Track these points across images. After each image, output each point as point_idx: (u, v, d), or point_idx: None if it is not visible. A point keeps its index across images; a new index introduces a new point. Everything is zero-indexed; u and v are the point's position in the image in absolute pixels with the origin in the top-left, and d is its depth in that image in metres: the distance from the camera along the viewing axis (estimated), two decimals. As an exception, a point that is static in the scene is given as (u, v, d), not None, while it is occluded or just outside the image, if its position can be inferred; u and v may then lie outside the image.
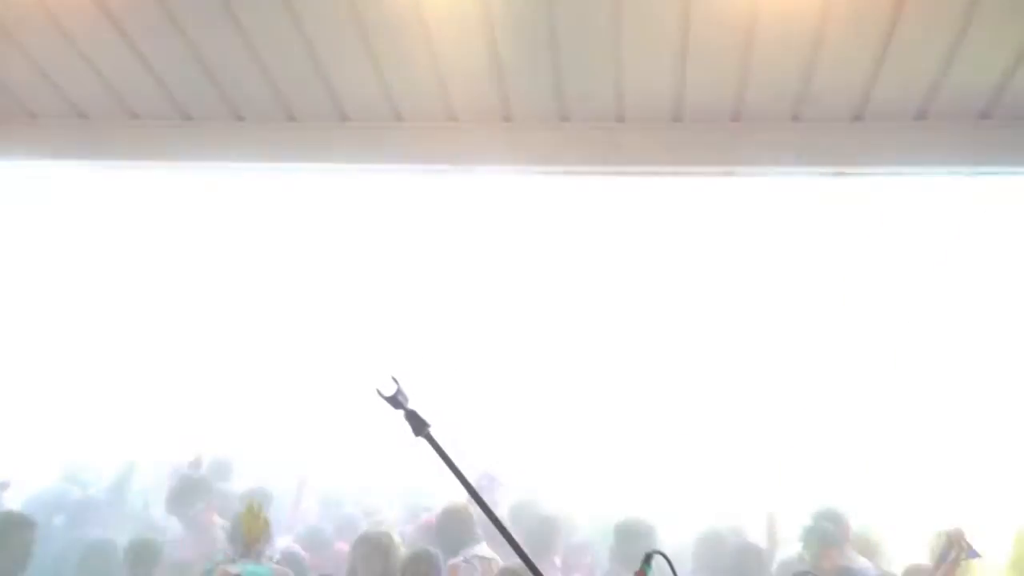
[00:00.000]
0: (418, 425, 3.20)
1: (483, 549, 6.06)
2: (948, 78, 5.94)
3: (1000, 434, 7.82)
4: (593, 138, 6.62)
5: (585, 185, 8.26)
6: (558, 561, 6.73)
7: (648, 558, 3.20)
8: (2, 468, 7.89)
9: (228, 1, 6.00)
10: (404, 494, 7.86)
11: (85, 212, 10.19)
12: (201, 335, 10.07)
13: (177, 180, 8.43)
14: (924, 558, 6.31)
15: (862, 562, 6.48)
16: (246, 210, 10.28)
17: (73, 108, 7.02)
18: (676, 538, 6.94)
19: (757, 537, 6.77)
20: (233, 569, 5.08)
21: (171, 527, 7.03)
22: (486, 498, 3.26)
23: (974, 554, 5.63)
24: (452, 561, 5.88)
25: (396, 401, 3.19)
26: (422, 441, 3.20)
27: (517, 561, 3.08)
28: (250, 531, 5.12)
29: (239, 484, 7.85)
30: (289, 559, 6.17)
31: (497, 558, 5.98)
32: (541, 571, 3.12)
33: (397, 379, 3.19)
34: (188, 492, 7.07)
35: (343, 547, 6.60)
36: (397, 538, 6.01)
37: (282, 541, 6.65)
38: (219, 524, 6.74)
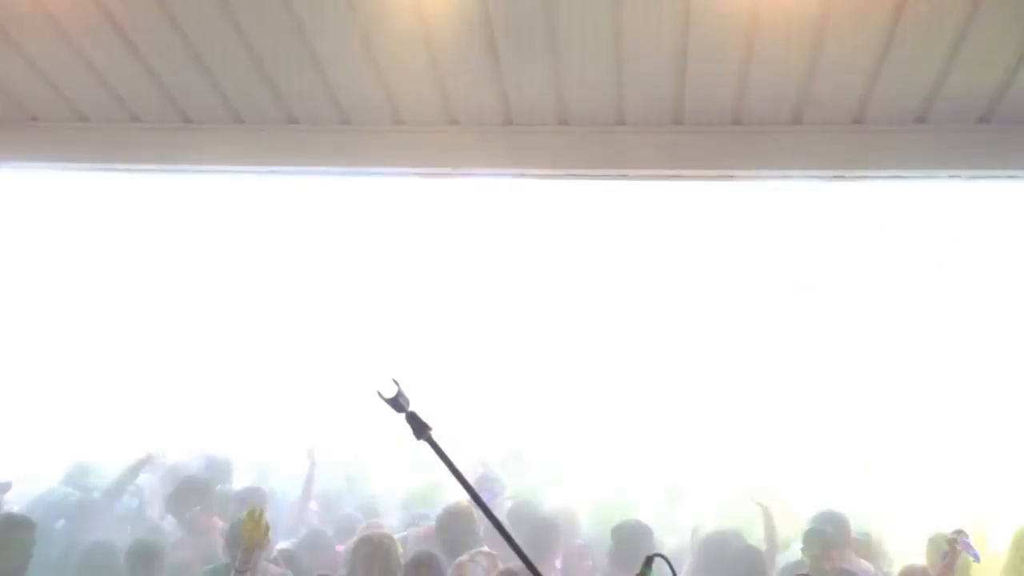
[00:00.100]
0: (419, 428, 3.19)
1: (486, 549, 6.05)
2: (948, 82, 5.94)
3: (1000, 435, 7.82)
4: (593, 141, 6.63)
5: (585, 188, 8.26)
6: (558, 564, 6.73)
7: (649, 561, 3.19)
8: (3, 470, 7.91)
9: (228, 4, 6.00)
10: (404, 498, 7.85)
11: (85, 214, 10.20)
12: (202, 338, 10.07)
13: (177, 183, 8.43)
14: (924, 560, 6.33)
15: (863, 565, 6.48)
16: (246, 213, 10.29)
17: (74, 111, 7.02)
18: (675, 540, 6.95)
19: (757, 540, 6.75)
20: None
21: (170, 529, 7.02)
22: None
23: (973, 555, 5.63)
24: (459, 559, 5.88)
25: (397, 404, 3.18)
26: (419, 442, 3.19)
27: (517, 563, 3.09)
28: (251, 537, 5.09)
29: (239, 485, 7.85)
30: (287, 558, 6.17)
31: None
32: (541, 573, 3.12)
33: (398, 381, 3.18)
34: (187, 494, 7.06)
35: (341, 550, 6.60)
36: (398, 541, 6.01)
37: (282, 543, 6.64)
38: (219, 527, 6.73)
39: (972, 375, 8.87)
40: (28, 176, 8.02)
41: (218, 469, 7.90)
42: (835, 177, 6.82)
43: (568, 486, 8.07)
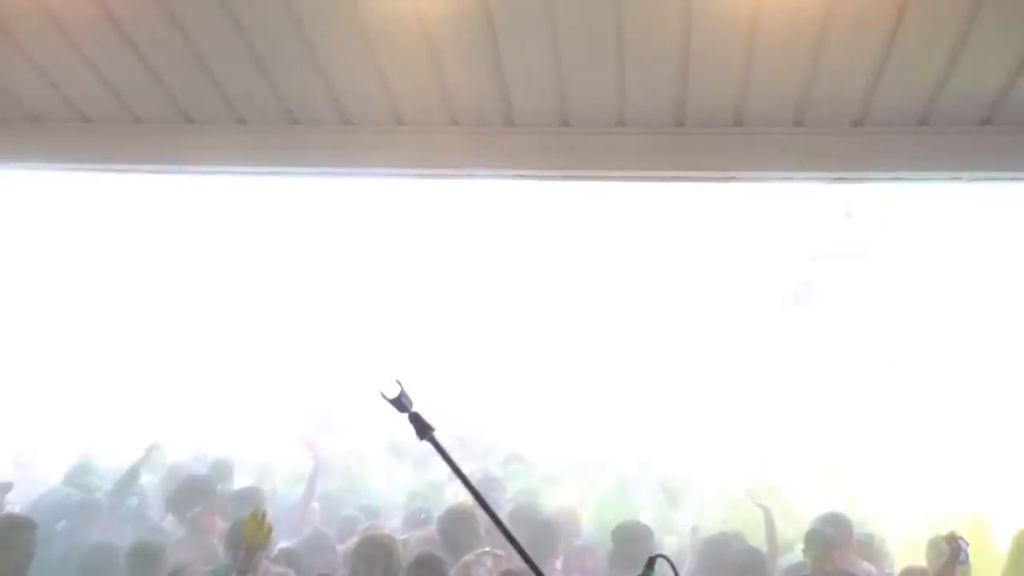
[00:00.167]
0: (422, 428, 3.19)
1: (497, 551, 6.05)
2: (950, 84, 5.94)
3: (1002, 435, 7.82)
4: (594, 143, 6.63)
5: (586, 190, 8.27)
6: (559, 565, 6.73)
7: (651, 562, 3.18)
8: (5, 470, 7.92)
9: (229, 4, 6.00)
10: (406, 499, 7.84)
11: (86, 215, 10.20)
12: (203, 338, 10.08)
13: (179, 183, 8.43)
14: (924, 561, 6.33)
15: (865, 566, 6.48)
16: (247, 213, 10.30)
17: (75, 111, 7.02)
18: (675, 541, 6.95)
19: (758, 541, 6.75)
20: None
21: (171, 530, 7.01)
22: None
23: (966, 558, 5.63)
24: (466, 559, 5.87)
25: (400, 404, 3.18)
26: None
27: (519, 564, 3.09)
28: (253, 538, 5.08)
29: (240, 485, 7.86)
30: (288, 557, 6.17)
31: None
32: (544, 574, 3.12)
33: (401, 382, 3.18)
34: (188, 493, 7.06)
35: (341, 549, 6.59)
36: (400, 542, 6.01)
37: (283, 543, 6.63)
38: (220, 527, 6.72)
39: (974, 375, 8.87)
40: (29, 177, 8.01)
41: (219, 469, 7.89)
42: (837, 179, 6.82)
43: (568, 487, 8.07)
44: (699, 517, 7.13)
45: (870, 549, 6.71)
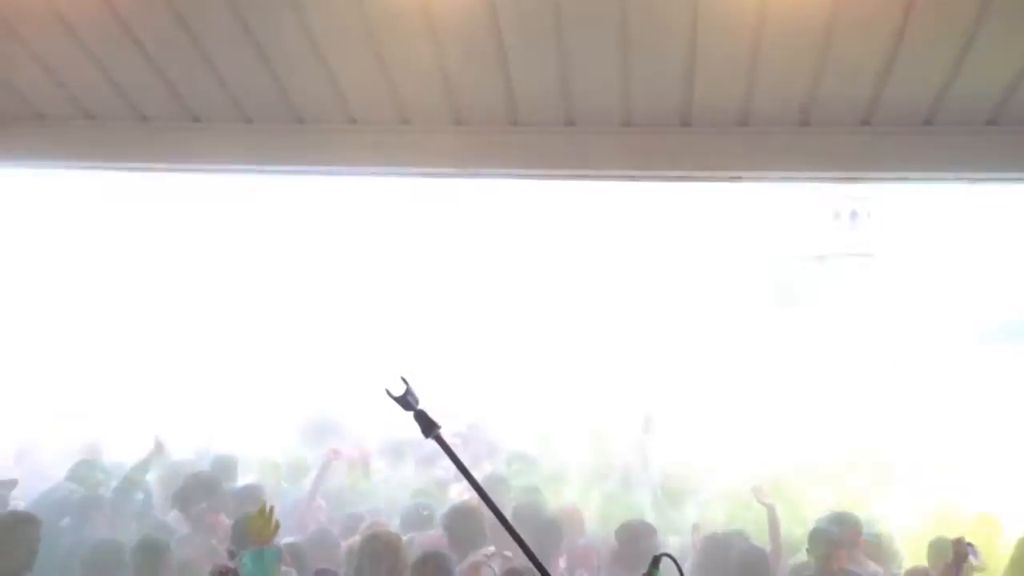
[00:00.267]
0: (427, 426, 3.21)
1: (492, 550, 6.05)
2: (956, 84, 5.94)
3: (1010, 436, 7.81)
4: (600, 142, 6.63)
5: (591, 189, 8.27)
6: (563, 563, 6.73)
7: (656, 561, 3.19)
8: (9, 466, 7.94)
9: (236, 4, 6.01)
10: (409, 497, 7.85)
11: (91, 212, 10.22)
12: (208, 335, 10.09)
13: (185, 182, 8.45)
14: (927, 561, 6.32)
15: (871, 567, 6.45)
16: (252, 211, 10.31)
17: (81, 110, 7.03)
18: (679, 540, 6.94)
19: (765, 541, 6.74)
20: (231, 563, 5.02)
21: (176, 527, 7.02)
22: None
23: (978, 561, 5.62)
24: (474, 559, 5.87)
25: (406, 402, 3.19)
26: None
27: (523, 562, 3.09)
28: (260, 534, 5.09)
29: (243, 482, 7.87)
30: (293, 551, 6.17)
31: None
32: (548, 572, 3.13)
33: (406, 380, 3.19)
34: (193, 490, 7.06)
35: (345, 546, 6.60)
36: (405, 540, 6.01)
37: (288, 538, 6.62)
38: (225, 525, 6.73)
39: (978, 376, 8.85)
40: (36, 175, 8.03)
41: (222, 465, 7.90)
42: (842, 179, 6.83)
43: (572, 485, 8.07)
44: (703, 516, 7.11)
45: (878, 549, 6.69)
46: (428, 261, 11.11)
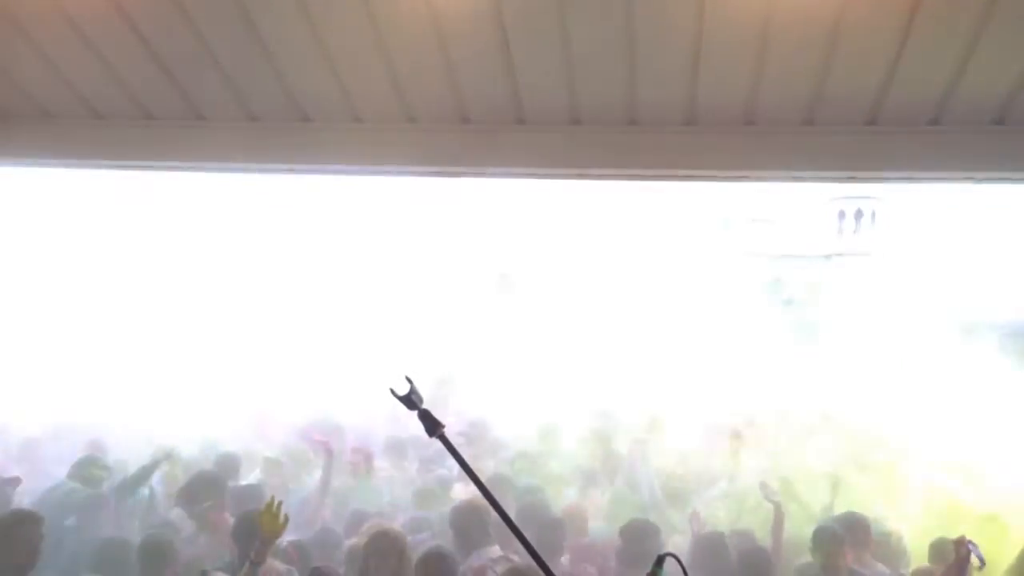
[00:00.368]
0: (432, 425, 3.20)
1: (496, 551, 6.05)
2: (961, 84, 5.93)
3: (1014, 437, 7.78)
4: (605, 141, 6.63)
5: (597, 188, 8.27)
6: (566, 562, 6.72)
7: (660, 560, 3.18)
8: (11, 464, 7.95)
9: (242, 2, 6.02)
10: (413, 496, 7.85)
11: (98, 211, 10.24)
12: (211, 334, 10.10)
13: (191, 180, 8.46)
14: (928, 562, 6.31)
15: (879, 568, 6.43)
16: (258, 209, 10.32)
17: (87, 108, 7.04)
18: (683, 539, 6.92)
19: (763, 540, 6.73)
20: None
21: (181, 525, 7.02)
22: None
23: (981, 562, 5.59)
24: (478, 564, 5.87)
25: (410, 401, 3.19)
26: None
27: (525, 560, 3.09)
28: (271, 529, 5.13)
29: (246, 480, 7.87)
30: (297, 549, 6.18)
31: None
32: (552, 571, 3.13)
33: (411, 379, 3.19)
34: (198, 489, 7.07)
35: (349, 545, 6.60)
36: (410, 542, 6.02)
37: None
38: (230, 524, 6.73)
39: (986, 376, 8.83)
40: (41, 173, 8.05)
41: (226, 464, 7.90)
42: (848, 178, 6.81)
43: (575, 484, 8.07)
44: (704, 515, 7.07)
45: (887, 549, 6.67)
46: (432, 258, 11.13)
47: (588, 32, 5.89)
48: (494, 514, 3.20)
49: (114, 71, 6.66)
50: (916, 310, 10.12)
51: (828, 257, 12.31)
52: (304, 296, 10.59)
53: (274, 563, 5.79)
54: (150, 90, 6.81)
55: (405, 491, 8.06)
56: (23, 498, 7.13)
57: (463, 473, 3.19)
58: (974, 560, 5.48)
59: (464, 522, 6.23)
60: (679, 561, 3.18)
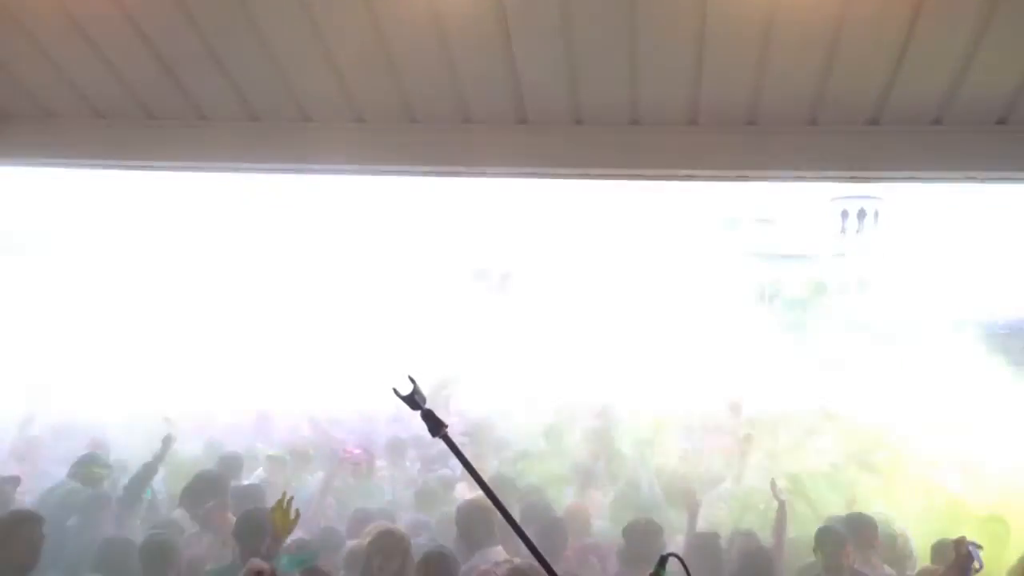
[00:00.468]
0: (435, 425, 3.20)
1: (500, 553, 6.04)
2: (964, 84, 5.91)
3: (1017, 437, 7.78)
4: (607, 141, 6.62)
5: (599, 188, 8.27)
6: (569, 562, 6.71)
7: (663, 560, 3.18)
8: (13, 464, 7.96)
9: (244, 2, 6.02)
10: (415, 496, 7.86)
11: (101, 210, 10.25)
12: (213, 333, 10.11)
13: (192, 180, 8.47)
14: (929, 562, 6.30)
15: (885, 570, 6.41)
16: (260, 209, 10.34)
17: (89, 108, 7.03)
18: (683, 540, 6.92)
19: (764, 539, 6.72)
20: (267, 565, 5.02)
21: (184, 525, 7.03)
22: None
23: (980, 565, 5.56)
24: (483, 568, 5.86)
25: (413, 401, 3.19)
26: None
27: (528, 560, 3.09)
28: (283, 526, 5.16)
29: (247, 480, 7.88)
30: (301, 547, 6.18)
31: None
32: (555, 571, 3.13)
33: (414, 379, 3.19)
34: (201, 489, 7.07)
35: (351, 545, 6.60)
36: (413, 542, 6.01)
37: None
38: (232, 523, 6.73)
39: (991, 376, 8.83)
40: (44, 172, 8.05)
41: (228, 464, 7.91)
42: (851, 178, 6.80)
43: (578, 484, 8.07)
44: (704, 514, 7.06)
45: (893, 550, 6.65)
46: (433, 259, 11.14)
47: (590, 32, 5.88)
48: (498, 514, 3.20)
49: (116, 71, 6.65)
50: (919, 309, 10.12)
51: (830, 257, 12.31)
52: (306, 296, 10.60)
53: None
54: (152, 90, 6.80)
55: (407, 491, 8.07)
56: (24, 498, 7.13)
57: (466, 473, 3.19)
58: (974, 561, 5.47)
59: (469, 521, 6.23)
60: (682, 561, 3.18)
